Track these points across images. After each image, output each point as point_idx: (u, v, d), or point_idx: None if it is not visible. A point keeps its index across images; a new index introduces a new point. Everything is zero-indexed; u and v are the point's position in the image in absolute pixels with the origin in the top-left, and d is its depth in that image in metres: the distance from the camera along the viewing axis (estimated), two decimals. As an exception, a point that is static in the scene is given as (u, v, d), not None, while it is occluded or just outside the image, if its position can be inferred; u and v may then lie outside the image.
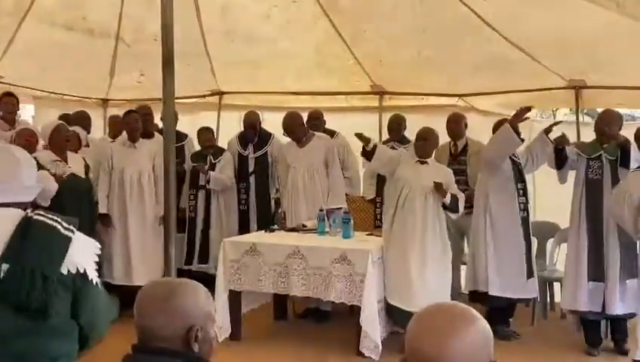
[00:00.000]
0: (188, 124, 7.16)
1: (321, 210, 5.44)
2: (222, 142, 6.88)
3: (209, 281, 4.93)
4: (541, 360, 4.88)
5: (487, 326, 1.35)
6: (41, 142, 5.24)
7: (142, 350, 1.64)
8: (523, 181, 5.20)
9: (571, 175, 5.07)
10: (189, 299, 1.66)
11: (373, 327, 4.65)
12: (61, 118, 6.10)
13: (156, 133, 6.27)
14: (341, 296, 4.74)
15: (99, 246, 2.06)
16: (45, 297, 1.82)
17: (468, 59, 6.05)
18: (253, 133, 6.50)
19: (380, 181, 6.05)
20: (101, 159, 5.77)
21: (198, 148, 6.65)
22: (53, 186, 4.73)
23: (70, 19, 6.04)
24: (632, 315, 4.78)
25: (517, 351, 4.82)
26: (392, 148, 6.11)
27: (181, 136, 6.61)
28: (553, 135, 5.08)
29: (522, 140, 4.96)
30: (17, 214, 1.94)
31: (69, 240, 1.91)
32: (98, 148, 6.11)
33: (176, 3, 3.75)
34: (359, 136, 5.02)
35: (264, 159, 6.51)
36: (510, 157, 5.11)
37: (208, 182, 6.28)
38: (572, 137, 5.79)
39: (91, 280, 1.94)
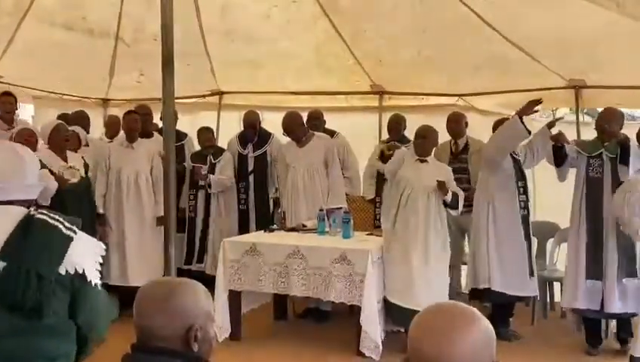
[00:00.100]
0: (188, 124, 7.17)
1: (320, 210, 5.44)
2: (222, 142, 6.88)
3: (206, 281, 4.93)
4: (541, 359, 4.88)
5: (490, 326, 1.34)
6: (41, 142, 5.24)
7: (141, 349, 1.64)
8: (524, 179, 5.20)
9: (572, 173, 5.06)
10: (189, 299, 1.66)
11: (373, 327, 4.65)
12: (60, 117, 6.10)
13: (155, 133, 6.27)
14: (341, 295, 4.74)
15: (103, 247, 2.05)
16: (40, 297, 1.82)
17: (468, 59, 6.05)
18: (252, 133, 6.49)
19: (380, 181, 6.05)
20: (98, 159, 5.77)
21: (198, 147, 6.65)
22: (53, 185, 4.74)
23: (70, 19, 6.04)
24: (634, 314, 4.78)
25: (517, 351, 4.81)
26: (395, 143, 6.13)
27: (181, 136, 6.61)
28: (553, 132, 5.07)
29: (529, 132, 4.93)
30: (20, 212, 1.94)
31: (69, 240, 1.91)
32: (96, 147, 6.11)
33: (176, 3, 3.75)
34: (389, 147, 4.95)
35: (263, 159, 6.51)
36: (511, 155, 5.11)
37: (209, 186, 6.28)
38: (572, 137, 5.79)
39: (90, 281, 1.94)
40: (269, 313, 5.68)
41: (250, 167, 6.51)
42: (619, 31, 4.83)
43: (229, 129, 7.41)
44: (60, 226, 1.92)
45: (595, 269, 4.76)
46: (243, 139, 6.58)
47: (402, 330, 5.00)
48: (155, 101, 6.06)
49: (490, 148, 5.15)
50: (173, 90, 3.80)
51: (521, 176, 5.18)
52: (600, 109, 7.12)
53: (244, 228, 6.32)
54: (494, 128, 5.42)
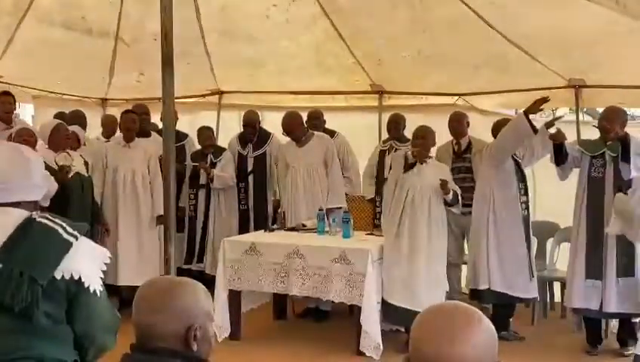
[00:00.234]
0: (188, 124, 7.17)
1: (320, 210, 5.44)
2: (222, 142, 6.88)
3: (205, 281, 4.94)
4: (541, 359, 4.88)
5: (492, 326, 1.33)
6: (40, 142, 5.23)
7: (141, 349, 1.63)
8: (524, 180, 5.21)
9: (574, 173, 5.06)
10: (189, 298, 1.65)
11: (373, 327, 4.65)
12: (57, 116, 6.10)
13: (154, 133, 6.28)
14: (341, 295, 4.74)
15: (108, 255, 2.03)
16: (30, 300, 1.80)
17: (467, 59, 6.04)
18: (252, 133, 6.49)
19: (380, 181, 6.05)
20: (95, 158, 5.76)
21: (198, 147, 6.65)
22: (53, 187, 4.73)
23: (69, 18, 6.03)
24: (637, 315, 4.77)
25: (517, 351, 4.81)
26: (392, 146, 6.13)
27: (181, 136, 6.61)
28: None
29: (536, 131, 4.92)
30: (22, 215, 1.94)
31: (68, 244, 1.89)
32: (93, 147, 6.11)
33: (175, 2, 3.75)
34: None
35: (263, 159, 6.51)
36: (512, 155, 5.12)
37: (211, 180, 6.27)
38: (572, 136, 5.79)
39: (88, 287, 1.90)
40: (269, 313, 5.68)
41: (250, 167, 6.51)
42: (619, 30, 4.83)
43: (228, 128, 7.41)
44: (60, 230, 1.91)
45: (595, 269, 4.76)
46: (243, 139, 6.58)
47: (402, 330, 5.00)
48: (154, 101, 6.07)
49: (496, 144, 5.14)
50: (173, 90, 3.80)
51: (521, 177, 5.18)
52: (600, 109, 7.13)
53: (244, 228, 6.32)
54: (494, 129, 5.41)
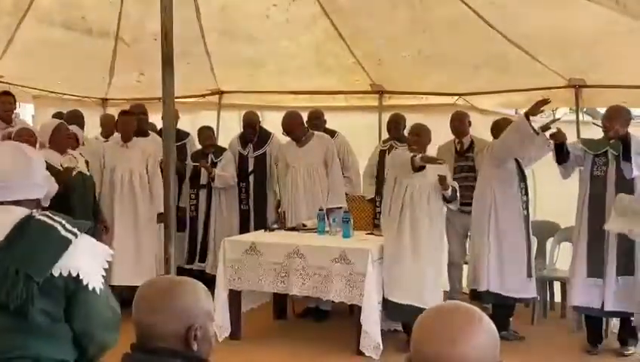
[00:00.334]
0: (188, 124, 7.18)
1: (320, 210, 5.45)
2: (222, 142, 6.88)
3: (206, 280, 4.94)
4: (541, 359, 4.88)
5: (493, 326, 1.33)
6: (41, 142, 5.22)
7: (141, 349, 1.63)
8: (524, 180, 5.21)
9: (576, 172, 5.07)
10: (189, 298, 1.65)
11: (373, 326, 4.65)
12: (55, 116, 6.10)
13: (152, 133, 6.28)
14: (341, 295, 4.74)
15: (110, 252, 2.03)
16: (26, 297, 1.80)
17: (467, 59, 6.04)
18: (252, 133, 6.50)
19: (380, 181, 6.05)
20: (93, 158, 5.76)
21: (199, 146, 6.65)
22: (54, 187, 4.71)
23: (69, 18, 6.03)
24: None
25: (517, 350, 4.81)
26: (392, 146, 6.13)
27: (182, 135, 6.62)
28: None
29: (537, 133, 4.90)
30: (22, 213, 1.94)
31: (67, 242, 1.89)
32: (91, 146, 6.11)
33: (175, 2, 3.76)
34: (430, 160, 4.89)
35: (263, 159, 6.51)
36: None
37: (213, 179, 6.27)
38: (572, 136, 5.78)
39: (87, 285, 1.89)
40: (269, 312, 5.68)
41: (251, 167, 6.51)
42: (619, 30, 4.83)
43: (229, 129, 7.41)
44: (59, 227, 1.90)
45: (596, 267, 4.77)
46: (243, 139, 6.58)
47: (400, 329, 5.01)
48: (155, 101, 6.07)
49: (498, 146, 5.13)
50: (173, 90, 3.80)
51: (522, 177, 5.18)
52: (600, 109, 7.11)
53: (244, 228, 6.32)
54: (493, 128, 5.41)
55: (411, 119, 6.25)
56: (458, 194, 5.06)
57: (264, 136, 6.54)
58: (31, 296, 1.81)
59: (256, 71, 7.02)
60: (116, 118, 6.20)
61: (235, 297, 5.09)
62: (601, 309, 4.75)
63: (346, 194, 6.03)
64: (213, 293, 4.69)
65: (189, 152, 6.68)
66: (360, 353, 4.67)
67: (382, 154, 6.23)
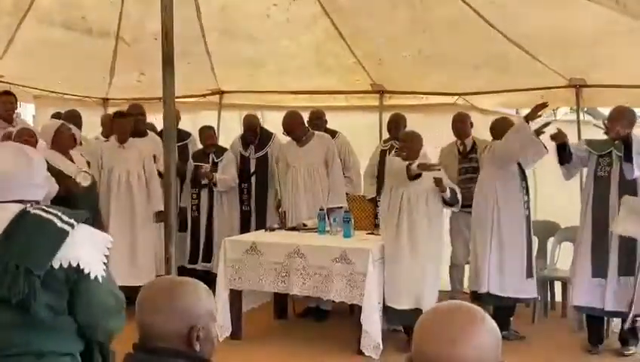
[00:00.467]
0: (189, 124, 7.17)
1: (321, 209, 5.45)
2: (222, 142, 6.87)
3: (211, 280, 4.94)
4: (542, 358, 4.88)
5: (495, 326, 1.32)
6: (41, 142, 5.22)
7: (144, 349, 1.64)
8: (525, 179, 5.20)
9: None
10: (192, 298, 1.66)
11: (373, 326, 4.65)
12: (54, 117, 6.09)
13: (150, 132, 6.28)
14: (341, 294, 4.75)
15: (110, 239, 2.04)
16: (28, 291, 1.81)
17: (468, 58, 6.04)
18: (253, 136, 6.51)
19: (381, 180, 6.05)
20: (91, 158, 5.76)
21: (201, 146, 6.65)
22: (54, 188, 4.71)
23: (70, 18, 6.03)
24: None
25: (517, 350, 4.82)
26: (392, 146, 6.13)
27: (184, 135, 6.62)
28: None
29: (538, 137, 4.90)
30: (16, 209, 1.94)
31: (64, 233, 1.89)
32: (90, 146, 6.11)
33: (176, 2, 3.75)
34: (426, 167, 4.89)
35: (265, 160, 6.51)
36: None
37: (215, 184, 6.27)
38: (573, 136, 5.78)
39: (88, 274, 1.90)
40: (270, 312, 5.69)
41: (252, 169, 6.51)
42: (619, 30, 4.83)
43: (229, 129, 7.41)
44: (55, 220, 1.91)
45: (600, 268, 4.76)
46: (245, 140, 6.58)
47: (401, 329, 5.01)
48: (155, 101, 6.06)
49: (500, 150, 5.10)
50: (174, 90, 3.80)
51: (523, 176, 5.18)
52: (601, 109, 7.10)
53: (246, 229, 6.31)
54: (492, 128, 5.38)
55: (412, 119, 6.27)
56: (459, 196, 5.05)
57: (265, 137, 6.54)
58: (33, 290, 1.82)
59: (257, 71, 7.01)
60: (120, 113, 6.17)
61: (235, 297, 5.09)
62: (603, 309, 4.75)
63: (347, 194, 6.03)
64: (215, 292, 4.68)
65: (191, 153, 6.67)
66: (360, 352, 4.67)
67: (383, 154, 6.22)
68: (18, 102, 6.26)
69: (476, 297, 5.14)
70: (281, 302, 5.70)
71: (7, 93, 6.07)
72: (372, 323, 4.65)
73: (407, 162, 4.88)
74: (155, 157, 5.93)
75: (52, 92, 7.62)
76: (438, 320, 1.32)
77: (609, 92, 6.13)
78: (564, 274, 5.60)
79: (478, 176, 5.56)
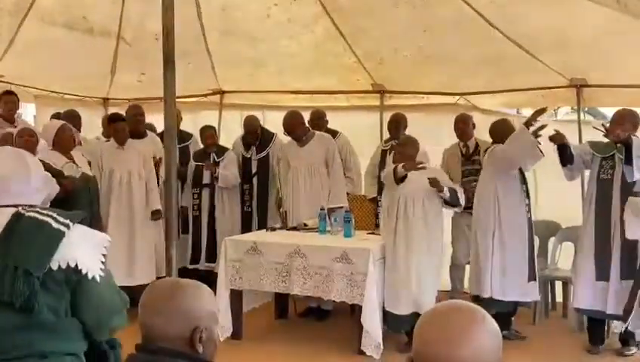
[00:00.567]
0: (190, 123, 7.18)
1: (322, 209, 5.44)
2: (223, 141, 6.87)
3: (213, 280, 4.93)
4: (542, 358, 4.88)
5: (496, 326, 1.32)
6: (42, 142, 5.22)
7: (146, 350, 1.64)
8: (525, 182, 5.19)
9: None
10: (195, 300, 1.66)
11: (374, 326, 4.65)
12: (53, 117, 6.09)
13: (150, 133, 6.27)
14: (342, 294, 4.75)
15: (108, 238, 2.04)
16: (29, 293, 1.81)
17: (469, 58, 6.04)
18: (254, 138, 6.51)
19: (381, 180, 6.04)
20: (91, 159, 5.75)
21: (202, 146, 6.65)
22: (55, 189, 4.70)
23: (71, 18, 6.03)
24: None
25: (518, 350, 4.82)
26: (393, 146, 6.12)
27: (185, 136, 6.61)
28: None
29: (539, 143, 4.87)
30: (10, 213, 1.95)
31: (61, 234, 1.89)
32: (90, 146, 6.10)
33: (177, 2, 3.75)
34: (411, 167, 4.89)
35: (266, 160, 6.51)
36: None
37: (216, 179, 6.27)
38: (574, 136, 5.78)
39: (86, 274, 1.90)
40: (270, 312, 5.69)
41: (254, 170, 6.51)
42: (620, 29, 4.82)
43: (230, 130, 7.41)
44: (51, 221, 1.91)
45: (603, 271, 4.76)
46: (246, 141, 6.58)
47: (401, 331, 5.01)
48: (156, 100, 6.06)
49: (502, 156, 5.06)
50: (175, 90, 3.80)
51: (523, 180, 5.17)
52: (602, 108, 7.09)
53: (247, 229, 6.31)
54: (491, 131, 5.34)
55: (413, 118, 6.27)
56: (461, 196, 5.03)
57: (267, 138, 6.53)
58: (34, 291, 1.82)
59: (258, 70, 7.02)
60: (116, 116, 6.15)
61: (236, 297, 5.09)
62: (605, 312, 4.74)
63: (348, 194, 6.03)
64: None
65: (192, 155, 6.66)
66: (361, 352, 4.67)
67: (383, 153, 6.21)
68: (19, 102, 6.25)
69: (478, 301, 5.11)
70: (281, 302, 5.70)
71: (9, 92, 6.08)
72: (373, 323, 4.65)
73: (394, 165, 4.89)
74: (158, 158, 5.93)
75: (53, 92, 7.63)
76: (439, 321, 1.32)
77: (610, 92, 6.13)
78: (565, 274, 5.60)
79: None
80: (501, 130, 5.19)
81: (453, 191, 4.96)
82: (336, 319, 5.60)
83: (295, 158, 5.93)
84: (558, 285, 5.92)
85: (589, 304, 4.82)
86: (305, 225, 5.58)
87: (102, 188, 5.66)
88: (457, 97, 6.93)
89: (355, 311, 4.94)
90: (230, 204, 6.45)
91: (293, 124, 5.87)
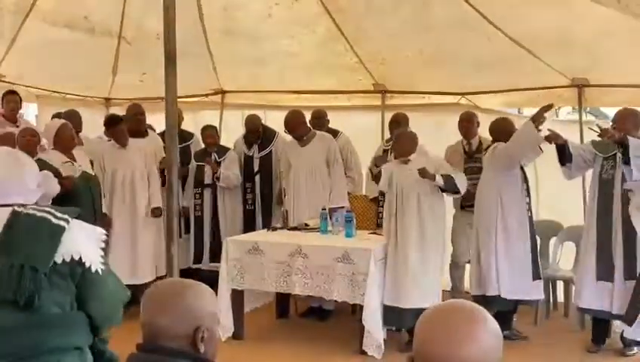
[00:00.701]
0: (191, 123, 7.18)
1: (323, 209, 5.44)
2: (224, 141, 6.88)
3: (216, 280, 4.92)
4: (543, 358, 4.88)
5: (497, 326, 1.32)
6: (44, 141, 5.23)
7: (147, 349, 1.64)
8: (527, 181, 5.19)
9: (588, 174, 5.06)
10: (196, 300, 1.66)
11: (375, 326, 4.65)
12: (54, 117, 6.10)
13: (151, 132, 6.27)
14: (343, 294, 4.74)
15: (103, 232, 2.07)
16: (35, 289, 1.83)
17: (470, 58, 6.03)
18: (256, 137, 6.51)
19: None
20: (93, 158, 5.75)
21: (203, 147, 6.65)
22: (55, 188, 4.71)
23: (72, 18, 6.04)
24: None
25: (519, 350, 4.81)
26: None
27: (186, 136, 6.61)
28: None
29: (543, 137, 4.88)
30: (7, 212, 1.96)
31: (61, 229, 1.92)
32: (91, 146, 6.11)
33: (178, 1, 3.75)
34: (375, 163, 4.91)
35: (269, 158, 6.52)
36: None
37: (218, 178, 6.27)
38: (575, 136, 5.78)
39: (90, 267, 1.94)
40: (272, 312, 5.69)
41: (256, 168, 6.52)
42: (621, 29, 4.82)
43: (231, 128, 7.41)
44: (49, 217, 1.94)
45: (606, 271, 4.75)
46: (248, 140, 6.58)
47: (403, 329, 5.00)
48: (157, 100, 6.06)
49: (507, 153, 5.06)
50: (176, 89, 3.80)
51: (524, 178, 5.16)
52: (603, 108, 7.07)
53: (250, 228, 6.31)
54: (491, 130, 5.34)
55: (414, 118, 6.26)
56: (460, 181, 4.94)
57: (269, 136, 6.54)
58: (39, 288, 1.84)
59: (259, 70, 7.02)
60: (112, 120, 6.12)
61: (237, 297, 5.09)
62: (611, 312, 4.74)
63: (349, 194, 6.03)
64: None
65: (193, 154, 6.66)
66: (363, 352, 4.68)
67: (385, 153, 6.21)
68: (22, 102, 6.26)
69: (482, 301, 5.09)
70: (283, 302, 5.70)
71: (12, 92, 6.09)
72: (374, 323, 4.65)
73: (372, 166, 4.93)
74: (157, 159, 5.93)
75: (54, 92, 7.64)
76: (439, 320, 1.31)
77: (612, 92, 6.12)
78: (567, 273, 5.60)
79: None
80: (502, 128, 5.18)
81: (447, 178, 4.87)
82: (337, 319, 5.60)
83: (296, 158, 5.93)
84: (560, 285, 5.92)
85: (594, 304, 4.81)
86: (306, 225, 5.58)
87: (105, 188, 5.66)
88: (459, 97, 6.93)
89: (356, 311, 4.94)
90: (232, 204, 6.45)
91: (294, 124, 5.87)
